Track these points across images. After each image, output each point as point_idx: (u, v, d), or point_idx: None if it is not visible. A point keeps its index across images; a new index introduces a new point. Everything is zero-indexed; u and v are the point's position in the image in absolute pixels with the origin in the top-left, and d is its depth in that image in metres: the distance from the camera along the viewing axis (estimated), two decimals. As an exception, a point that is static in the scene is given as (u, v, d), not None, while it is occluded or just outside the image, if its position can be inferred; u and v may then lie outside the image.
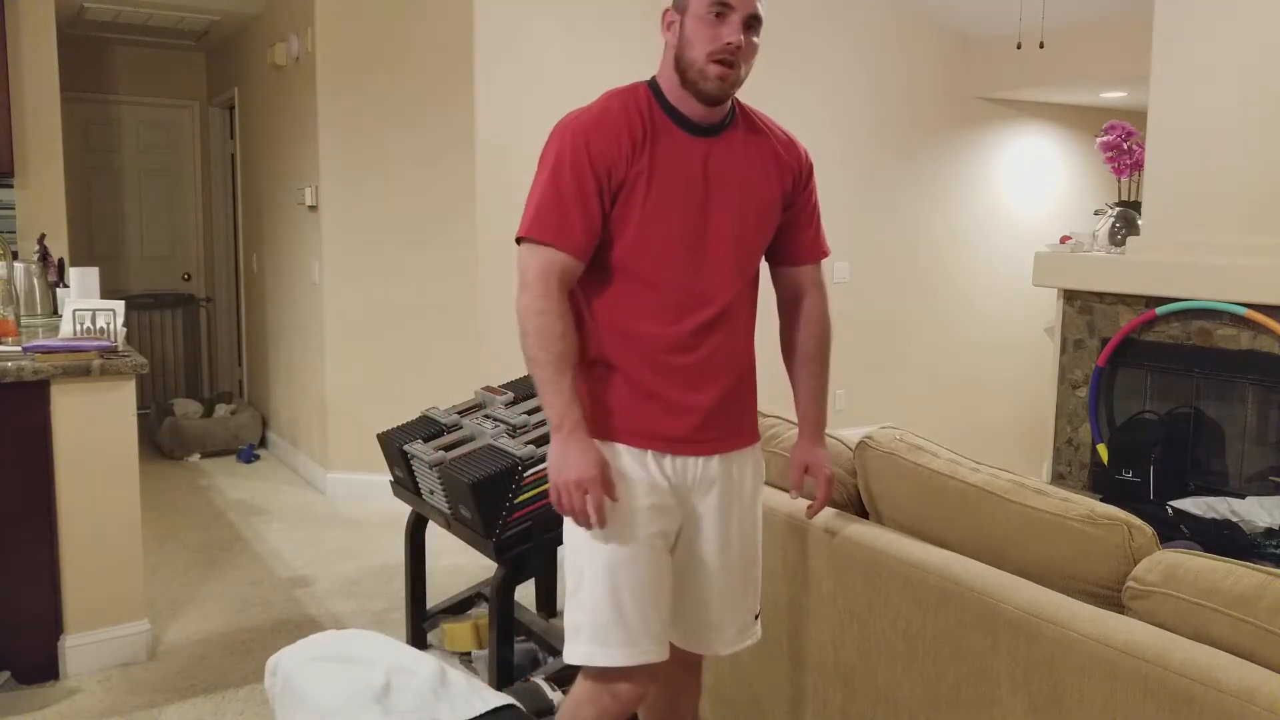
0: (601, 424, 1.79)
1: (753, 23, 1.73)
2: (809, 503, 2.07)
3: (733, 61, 1.71)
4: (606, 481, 1.73)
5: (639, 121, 1.75)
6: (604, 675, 1.79)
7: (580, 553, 1.79)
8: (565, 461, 1.70)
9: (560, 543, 2.67)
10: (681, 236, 1.76)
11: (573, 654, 1.80)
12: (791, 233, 1.94)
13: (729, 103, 1.81)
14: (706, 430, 1.81)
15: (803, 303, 1.99)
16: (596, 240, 1.75)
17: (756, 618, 1.96)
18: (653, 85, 1.81)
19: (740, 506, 1.89)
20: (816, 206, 1.97)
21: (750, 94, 4.31)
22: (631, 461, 1.78)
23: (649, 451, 1.78)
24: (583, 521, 1.72)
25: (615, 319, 1.79)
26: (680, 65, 1.74)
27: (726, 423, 1.84)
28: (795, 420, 2.32)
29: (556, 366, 1.72)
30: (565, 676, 2.56)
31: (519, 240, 1.76)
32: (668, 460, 1.80)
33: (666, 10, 1.78)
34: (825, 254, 2.00)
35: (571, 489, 1.70)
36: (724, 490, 1.85)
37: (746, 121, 1.86)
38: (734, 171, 1.80)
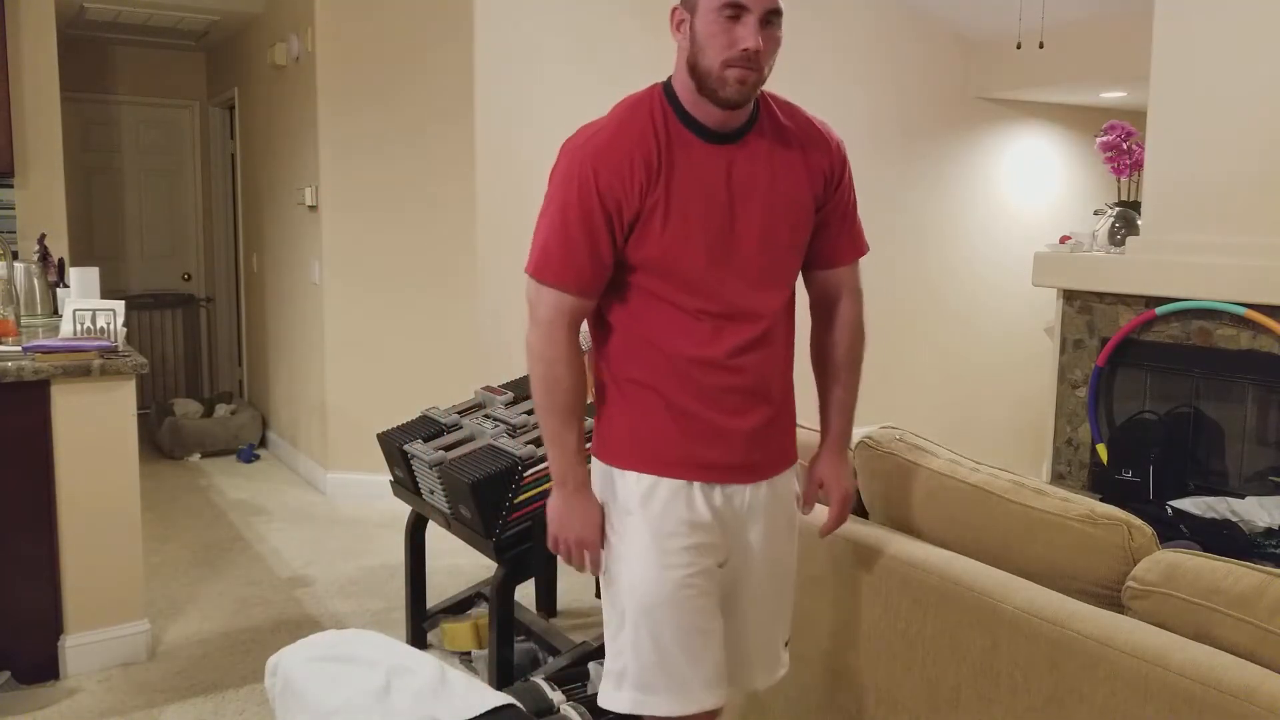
0: (641, 454, 1.69)
1: (771, 18, 1.56)
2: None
3: (752, 65, 1.56)
4: (602, 538, 1.73)
5: (653, 142, 1.62)
6: None
7: (619, 596, 1.70)
8: (569, 521, 1.71)
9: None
10: (708, 256, 1.64)
11: (616, 701, 1.70)
12: (826, 233, 1.80)
13: (751, 102, 1.67)
14: (752, 454, 1.71)
15: (837, 308, 1.86)
16: (608, 275, 1.66)
17: (786, 645, 1.87)
18: (668, 91, 1.66)
19: (782, 531, 1.80)
20: (852, 202, 1.81)
21: (750, 94, 4.09)
22: (672, 498, 1.67)
23: (695, 484, 1.68)
24: (579, 569, 1.74)
25: (649, 338, 1.68)
26: (695, 72, 1.59)
27: (772, 446, 1.75)
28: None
29: (562, 419, 1.67)
30: (565, 676, 2.56)
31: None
32: (716, 490, 1.69)
33: (675, 8, 1.63)
34: (863, 251, 1.86)
35: (572, 546, 1.71)
36: (769, 516, 1.76)
37: (771, 120, 1.71)
38: (759, 180, 1.67)
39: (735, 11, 1.54)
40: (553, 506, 1.72)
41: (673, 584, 1.65)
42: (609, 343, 1.72)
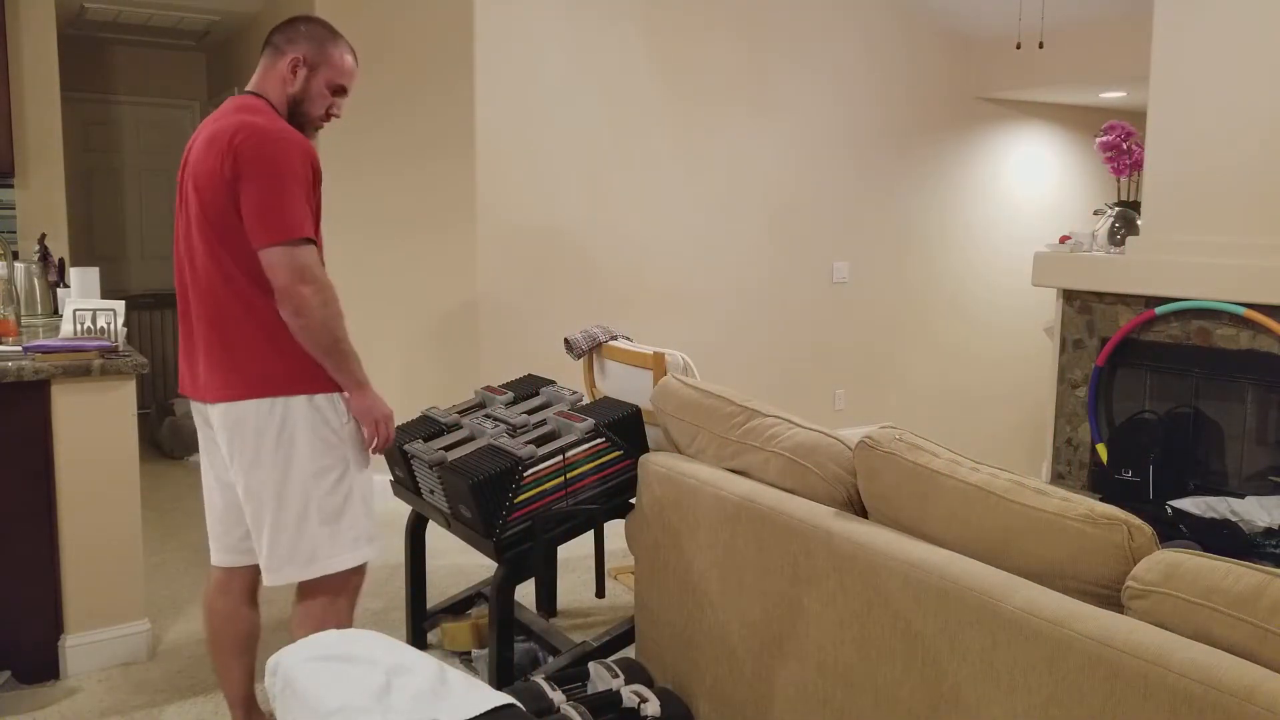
0: (324, 378, 2.19)
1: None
2: (806, 501, 2.05)
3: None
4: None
5: None
6: (357, 571, 2.32)
7: (345, 473, 2.23)
8: (378, 404, 2.25)
9: (561, 541, 2.68)
10: None
11: (356, 558, 2.27)
12: None
13: None
14: None
15: None
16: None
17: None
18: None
19: None
20: None
21: (752, 94, 4.41)
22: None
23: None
24: (384, 446, 2.29)
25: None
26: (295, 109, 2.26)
27: None
28: (793, 420, 2.32)
29: (347, 339, 2.19)
30: (565, 676, 2.56)
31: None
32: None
33: (296, 57, 2.23)
34: None
35: (388, 422, 2.26)
36: None
37: None
38: None
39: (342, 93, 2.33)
40: (366, 402, 2.23)
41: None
42: (263, 290, 2.13)
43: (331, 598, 2.30)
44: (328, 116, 2.29)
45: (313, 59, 2.24)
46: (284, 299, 2.09)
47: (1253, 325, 3.80)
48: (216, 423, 2.23)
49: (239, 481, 2.24)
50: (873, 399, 5.90)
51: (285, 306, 2.10)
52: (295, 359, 2.17)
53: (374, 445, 2.28)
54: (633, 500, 2.74)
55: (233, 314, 2.15)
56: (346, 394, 2.23)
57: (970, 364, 6.33)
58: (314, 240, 2.12)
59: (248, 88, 2.28)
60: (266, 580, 2.27)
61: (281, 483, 2.20)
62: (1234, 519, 3.53)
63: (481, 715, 1.80)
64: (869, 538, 1.95)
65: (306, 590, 2.31)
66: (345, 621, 2.31)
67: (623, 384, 3.34)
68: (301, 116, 2.25)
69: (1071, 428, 4.60)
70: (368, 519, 2.31)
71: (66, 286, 4.04)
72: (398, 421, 4.49)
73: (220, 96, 6.45)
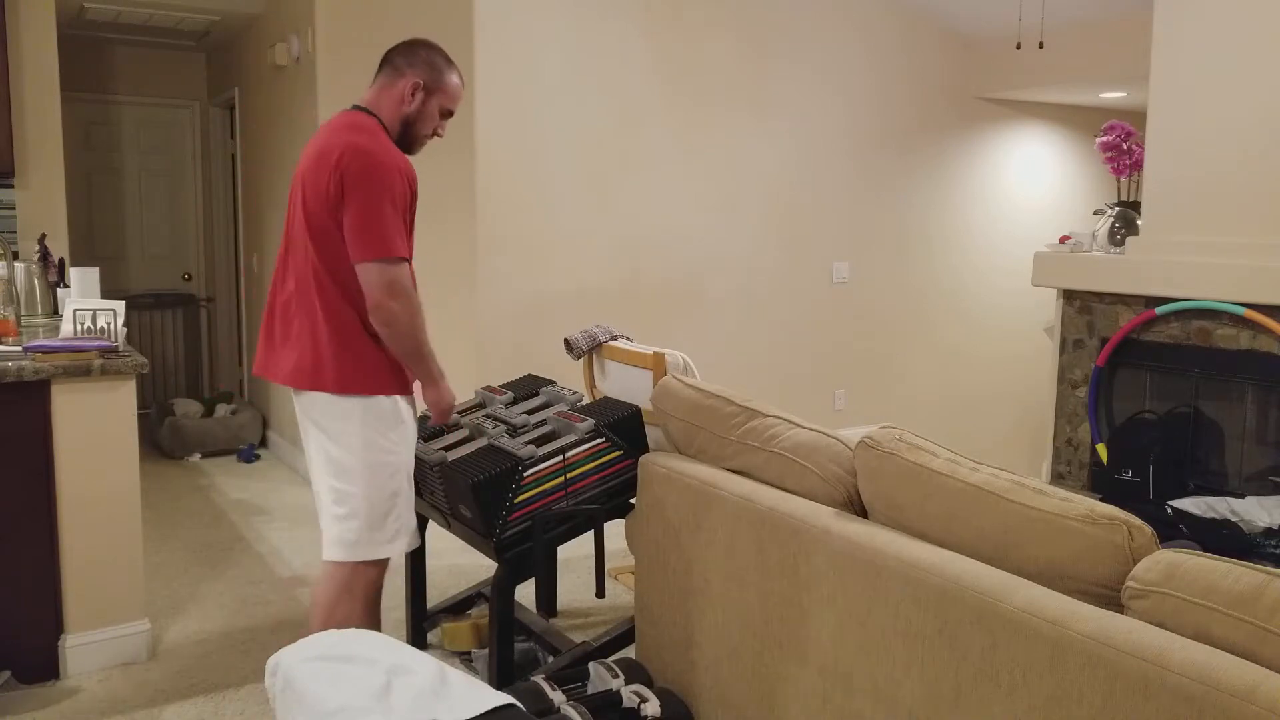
0: (395, 381, 2.37)
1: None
2: (803, 500, 2.05)
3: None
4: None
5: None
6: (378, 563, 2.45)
7: (398, 471, 2.40)
8: (445, 395, 2.47)
9: (561, 541, 2.68)
10: None
11: (395, 548, 2.42)
12: None
13: None
14: None
15: None
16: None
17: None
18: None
19: None
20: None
21: (752, 94, 4.38)
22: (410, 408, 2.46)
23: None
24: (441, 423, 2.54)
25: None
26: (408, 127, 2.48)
27: None
28: (793, 420, 2.32)
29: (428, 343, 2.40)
30: (565, 676, 2.56)
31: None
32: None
33: (416, 82, 2.42)
34: None
35: (450, 412, 2.50)
36: None
37: None
38: None
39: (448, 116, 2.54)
40: (440, 393, 2.45)
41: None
42: (350, 294, 2.32)
43: (348, 588, 2.42)
44: (433, 135, 2.52)
45: (430, 84, 2.44)
46: (375, 310, 2.27)
47: (1253, 325, 3.80)
48: (300, 408, 2.43)
49: (310, 461, 2.43)
50: (873, 399, 5.90)
51: (376, 317, 2.28)
52: (365, 362, 2.33)
53: (432, 422, 2.59)
54: (633, 500, 2.74)
55: (319, 314, 2.33)
56: (396, 396, 2.40)
57: (970, 364, 6.33)
58: (407, 258, 2.32)
59: (362, 102, 2.46)
60: (324, 555, 2.44)
61: (341, 473, 2.35)
62: (1234, 519, 3.53)
63: (481, 715, 1.80)
64: (869, 538, 1.95)
65: (332, 573, 2.43)
66: (360, 612, 2.41)
67: (623, 384, 3.34)
68: (411, 134, 2.47)
69: (1071, 428, 4.60)
70: (409, 513, 2.46)
71: (66, 286, 4.04)
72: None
73: (220, 96, 6.46)
